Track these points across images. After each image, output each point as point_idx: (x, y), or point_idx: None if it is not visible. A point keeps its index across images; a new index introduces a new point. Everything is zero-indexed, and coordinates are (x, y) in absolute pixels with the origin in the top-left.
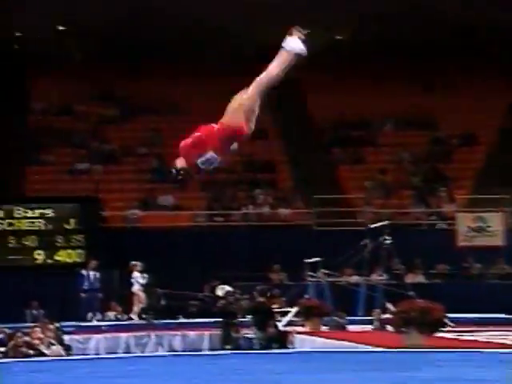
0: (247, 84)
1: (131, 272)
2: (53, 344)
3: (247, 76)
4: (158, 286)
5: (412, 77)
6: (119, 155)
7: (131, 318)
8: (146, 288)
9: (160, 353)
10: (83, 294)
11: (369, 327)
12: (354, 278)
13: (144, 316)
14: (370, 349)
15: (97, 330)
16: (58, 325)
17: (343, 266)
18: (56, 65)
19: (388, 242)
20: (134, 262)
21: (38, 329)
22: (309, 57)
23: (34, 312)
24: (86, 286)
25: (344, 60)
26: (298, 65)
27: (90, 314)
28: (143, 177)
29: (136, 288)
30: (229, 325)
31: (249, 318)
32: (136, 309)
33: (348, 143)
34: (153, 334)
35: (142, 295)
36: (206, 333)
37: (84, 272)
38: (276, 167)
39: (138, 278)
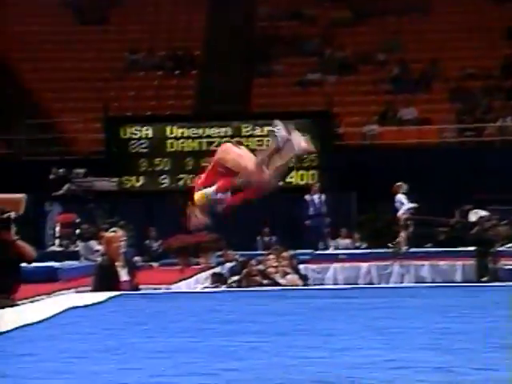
0: None
1: (395, 194)
2: (288, 273)
3: None
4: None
5: None
6: (354, 63)
7: (396, 247)
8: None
9: (406, 284)
10: (308, 221)
11: None
12: None
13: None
14: None
15: (334, 258)
16: (292, 253)
17: None
18: None
19: None
20: (398, 183)
21: (271, 257)
22: None
23: (266, 239)
24: (311, 211)
25: None
26: None
27: (321, 243)
28: (382, 87)
29: (400, 213)
30: (485, 254)
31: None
32: (403, 235)
33: None
34: (397, 264)
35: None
36: (459, 263)
37: (307, 197)
38: None
39: (403, 201)
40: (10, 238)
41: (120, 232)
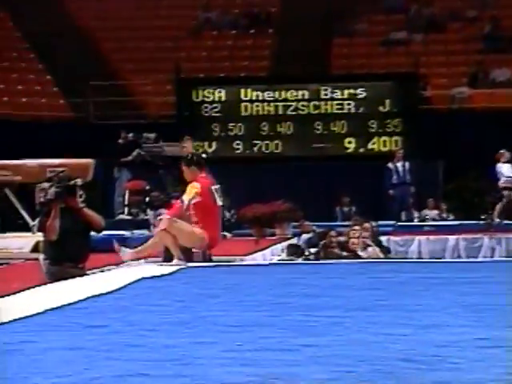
0: None
1: (497, 161)
2: (369, 245)
3: None
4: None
5: None
6: (443, 20)
7: (488, 219)
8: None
9: (497, 258)
10: (391, 191)
11: None
12: None
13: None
14: None
15: (418, 230)
16: (374, 224)
17: None
18: None
19: None
20: (501, 151)
21: (356, 227)
22: None
23: (345, 209)
24: (394, 180)
25: None
26: None
27: (404, 213)
28: (472, 46)
29: (500, 182)
30: None
31: None
32: (498, 207)
33: None
34: (487, 237)
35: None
36: None
37: (390, 165)
38: None
39: (503, 170)
40: (76, 205)
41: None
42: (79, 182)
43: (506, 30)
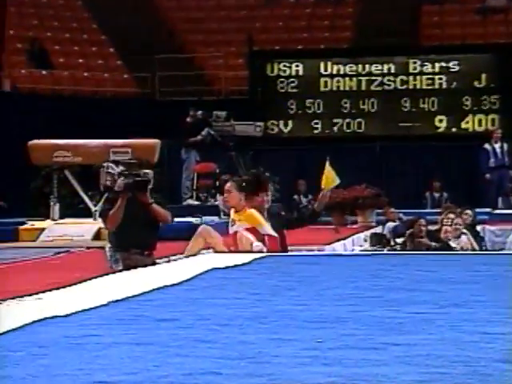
0: None
1: None
2: (464, 233)
3: None
4: None
5: None
6: None
7: None
8: None
9: None
10: (488, 175)
11: None
12: None
13: None
14: None
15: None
16: (470, 212)
17: None
18: None
19: None
20: None
21: (451, 216)
22: None
23: (436, 195)
24: (491, 163)
25: None
26: None
27: (502, 200)
28: None
29: None
30: None
31: None
32: None
33: None
34: None
35: None
36: None
37: (487, 146)
38: None
39: None
40: (146, 200)
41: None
42: (151, 174)
43: None
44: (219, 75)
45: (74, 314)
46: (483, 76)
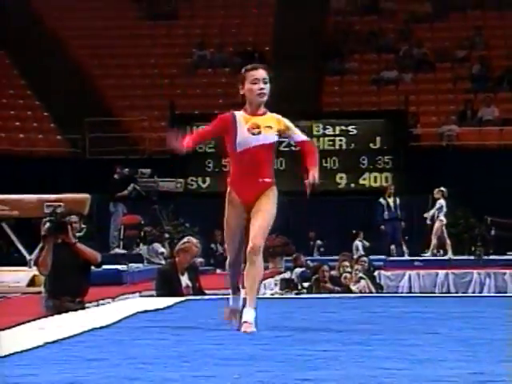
0: None
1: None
2: (362, 278)
3: None
4: (480, 213)
5: None
6: (433, 60)
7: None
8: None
9: (486, 293)
10: (383, 226)
11: None
12: None
13: (436, 252)
14: None
15: (409, 265)
16: (366, 259)
17: None
18: None
19: None
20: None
21: (346, 263)
22: None
23: (311, 243)
24: (386, 215)
25: None
26: None
27: (392, 247)
28: (461, 85)
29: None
30: None
31: None
32: (433, 242)
33: None
34: (475, 272)
35: (440, 227)
36: None
37: (382, 200)
38: None
39: (438, 206)
40: (70, 240)
41: (199, 246)
42: (74, 218)
43: (494, 70)
44: (144, 136)
45: (11, 354)
46: (378, 139)
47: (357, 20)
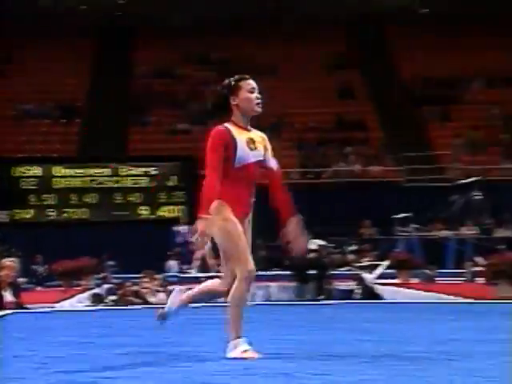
0: None
1: None
2: (159, 291)
3: None
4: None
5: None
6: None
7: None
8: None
9: (258, 302)
10: (178, 248)
11: (458, 280)
12: (444, 233)
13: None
14: (460, 300)
15: (197, 280)
16: (161, 276)
17: (433, 220)
18: (158, 32)
19: (478, 197)
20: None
21: (145, 279)
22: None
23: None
24: (180, 240)
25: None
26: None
27: (185, 266)
28: None
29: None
30: (321, 277)
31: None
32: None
33: (437, 101)
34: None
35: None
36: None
37: (175, 228)
38: (366, 126)
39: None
40: None
41: (15, 264)
42: None
43: (265, 123)
44: None
45: None
46: (174, 178)
47: (156, 82)
